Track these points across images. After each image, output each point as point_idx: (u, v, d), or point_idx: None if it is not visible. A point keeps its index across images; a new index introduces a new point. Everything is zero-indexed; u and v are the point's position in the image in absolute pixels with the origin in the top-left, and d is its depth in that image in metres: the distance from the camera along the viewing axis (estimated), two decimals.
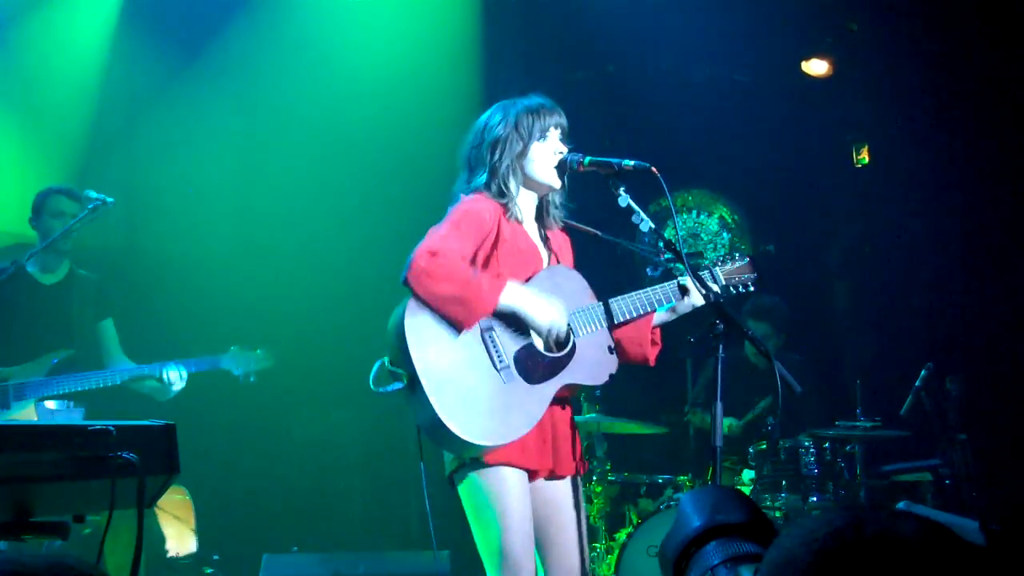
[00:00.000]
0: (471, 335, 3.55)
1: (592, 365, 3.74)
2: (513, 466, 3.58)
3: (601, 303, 3.81)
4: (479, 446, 3.47)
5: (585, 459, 3.92)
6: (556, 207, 3.94)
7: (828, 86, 8.04)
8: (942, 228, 7.41)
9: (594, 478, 6.22)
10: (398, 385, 3.49)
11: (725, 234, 8.54)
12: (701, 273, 3.85)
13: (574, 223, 4.00)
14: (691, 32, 7.63)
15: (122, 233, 7.69)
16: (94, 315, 5.76)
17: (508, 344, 3.60)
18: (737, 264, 4.03)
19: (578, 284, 3.85)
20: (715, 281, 3.93)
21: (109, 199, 5.45)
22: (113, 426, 2.05)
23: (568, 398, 3.79)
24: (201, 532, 6.36)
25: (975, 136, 7.26)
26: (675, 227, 4.12)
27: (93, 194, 5.45)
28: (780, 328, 6.82)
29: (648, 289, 3.85)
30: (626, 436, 6.71)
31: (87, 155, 7.56)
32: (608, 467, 6.33)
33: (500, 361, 3.56)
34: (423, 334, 3.50)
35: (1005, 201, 7.12)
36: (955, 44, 7.24)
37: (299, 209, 7.77)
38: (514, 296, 3.57)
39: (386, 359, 3.56)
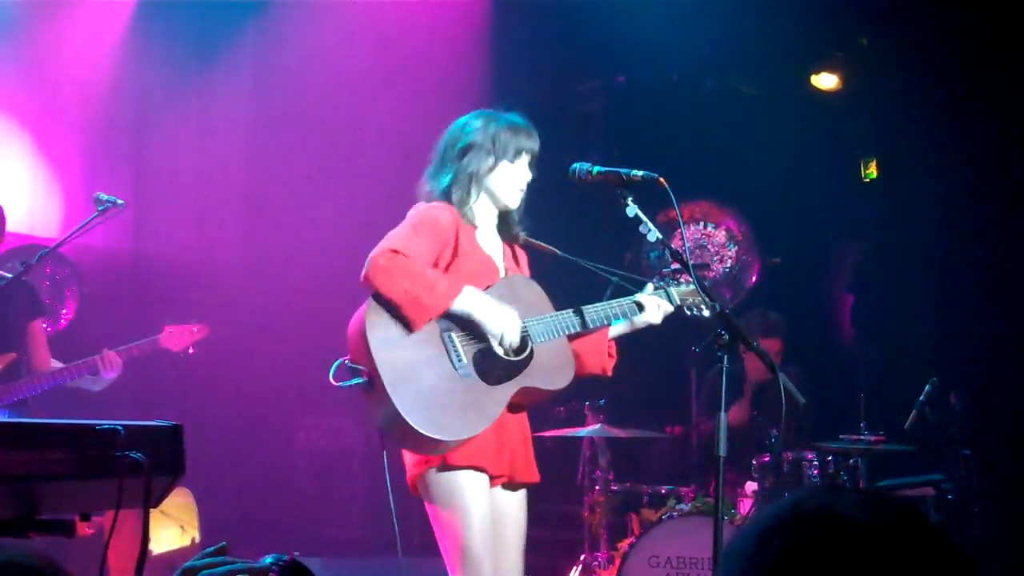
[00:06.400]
0: (431, 335, 3.64)
1: (549, 371, 3.82)
2: (474, 469, 3.68)
3: (565, 312, 3.88)
4: (436, 440, 3.54)
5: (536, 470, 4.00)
6: (518, 222, 4.03)
7: (837, 100, 8.04)
8: (949, 243, 7.41)
9: (597, 487, 6.22)
10: (357, 380, 3.59)
11: (732, 246, 8.54)
12: (656, 292, 3.97)
13: (533, 241, 4.10)
14: (701, 44, 7.66)
15: (128, 235, 7.71)
16: (27, 315, 5.69)
17: (467, 345, 3.68)
18: (687, 288, 4.05)
19: (536, 293, 3.94)
20: (669, 300, 3.98)
21: (120, 201, 5.46)
22: (122, 426, 2.06)
23: (525, 406, 3.88)
24: (203, 535, 6.37)
25: (984, 151, 7.26)
26: (683, 238, 4.17)
27: (104, 196, 5.46)
28: (786, 343, 6.83)
29: (606, 303, 3.94)
30: (629, 446, 6.71)
31: (97, 157, 7.60)
32: (611, 476, 6.33)
33: (458, 360, 3.64)
34: (383, 333, 3.59)
35: (1013, 216, 7.11)
36: (965, 59, 7.25)
37: (308, 214, 7.79)
38: (468, 301, 3.65)
39: (347, 359, 3.66)
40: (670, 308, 3.95)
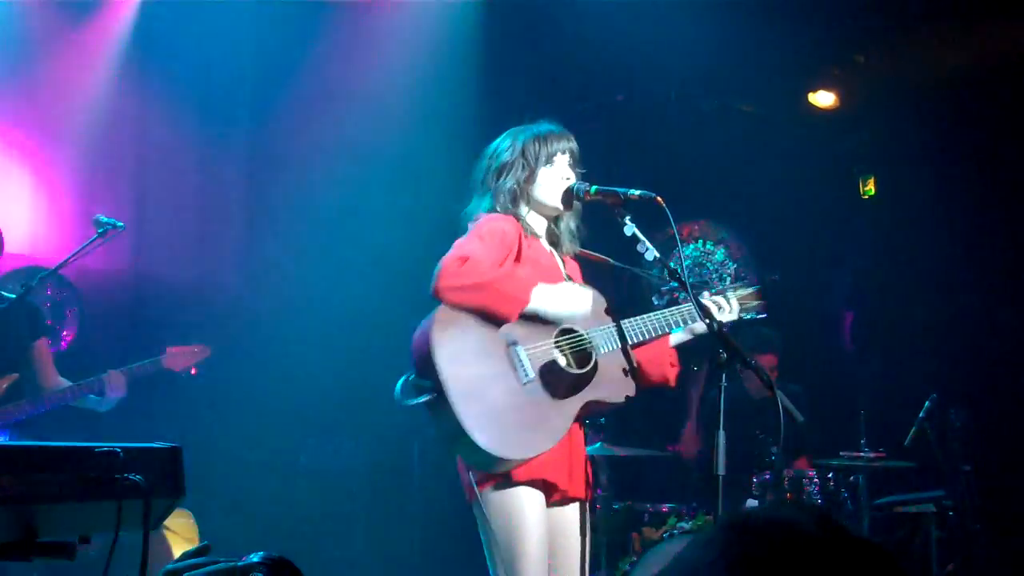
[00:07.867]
0: (497, 349, 3.58)
1: (614, 383, 3.76)
2: (535, 484, 3.60)
3: (626, 320, 3.82)
4: (503, 459, 3.48)
5: (593, 486, 3.92)
6: (572, 234, 3.99)
7: (834, 117, 8.07)
8: (947, 259, 7.42)
9: (597, 506, 6.21)
10: (424, 398, 3.48)
11: (731, 264, 8.55)
12: (715, 298, 3.90)
13: (586, 251, 4.04)
14: (699, 62, 7.68)
15: (128, 257, 7.71)
16: (29, 335, 5.69)
17: (533, 359, 3.61)
18: (749, 290, 4.05)
19: (600, 302, 3.87)
20: (728, 305, 3.94)
21: (120, 223, 5.47)
22: (121, 448, 2.07)
23: (584, 419, 3.80)
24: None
25: (981, 167, 7.28)
26: (680, 256, 4.17)
27: (104, 218, 5.47)
28: (782, 360, 6.82)
29: (665, 311, 3.88)
30: (630, 464, 6.71)
31: (96, 180, 7.61)
32: (611, 495, 6.32)
33: (525, 376, 3.57)
34: (450, 347, 3.51)
35: (1011, 232, 7.13)
36: (961, 75, 7.27)
37: (308, 234, 7.80)
38: (545, 289, 3.64)
39: (411, 374, 3.56)
40: (734, 315, 3.91)
